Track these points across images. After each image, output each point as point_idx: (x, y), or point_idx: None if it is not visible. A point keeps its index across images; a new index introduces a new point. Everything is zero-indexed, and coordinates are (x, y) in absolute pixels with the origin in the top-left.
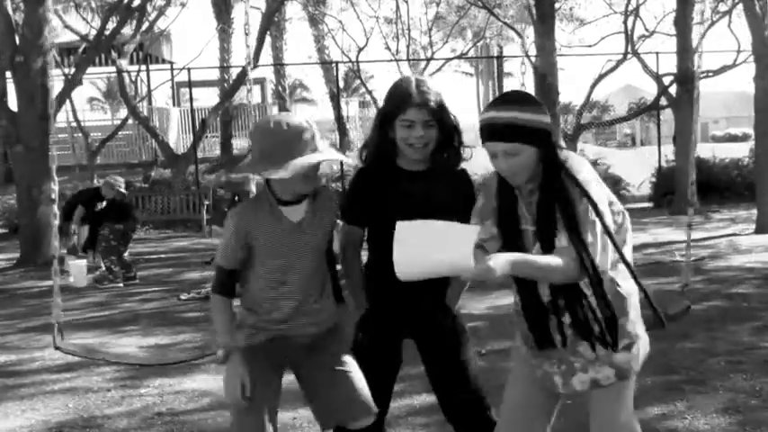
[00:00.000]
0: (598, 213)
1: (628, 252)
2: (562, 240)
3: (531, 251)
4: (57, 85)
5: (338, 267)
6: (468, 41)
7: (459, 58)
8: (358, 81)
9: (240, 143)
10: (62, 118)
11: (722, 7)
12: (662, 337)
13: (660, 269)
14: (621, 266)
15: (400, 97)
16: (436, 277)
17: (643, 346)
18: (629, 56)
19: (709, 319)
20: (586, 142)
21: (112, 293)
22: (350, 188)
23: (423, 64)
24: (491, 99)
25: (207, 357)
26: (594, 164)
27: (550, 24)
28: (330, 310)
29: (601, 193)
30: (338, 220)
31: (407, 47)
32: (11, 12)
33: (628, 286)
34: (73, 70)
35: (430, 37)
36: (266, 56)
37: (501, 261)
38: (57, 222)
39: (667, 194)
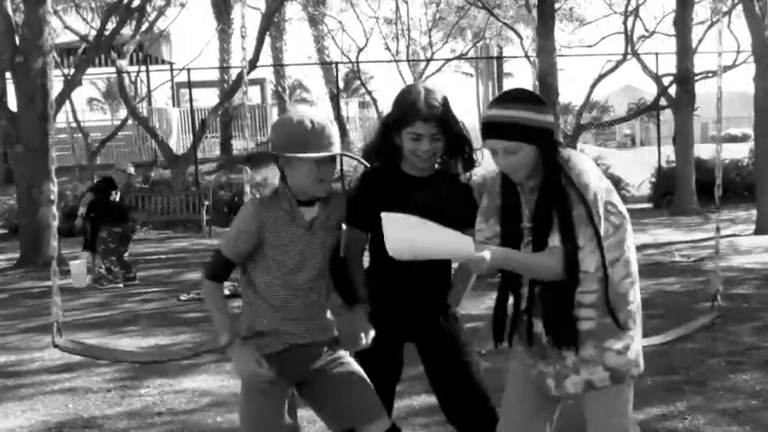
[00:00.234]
0: (592, 219)
1: (631, 252)
2: (554, 240)
3: (522, 246)
4: (56, 85)
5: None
6: (468, 42)
7: (459, 58)
8: (358, 82)
9: (240, 143)
10: (62, 118)
11: (722, 7)
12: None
13: (660, 270)
14: (618, 267)
15: (408, 108)
16: (430, 259)
17: (641, 350)
18: (629, 56)
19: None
20: (586, 142)
21: (112, 294)
22: (354, 191)
23: (423, 64)
24: (491, 100)
25: (204, 352)
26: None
27: (550, 25)
28: (329, 320)
29: (599, 195)
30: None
31: (407, 47)
32: (11, 12)
33: (622, 288)
34: (73, 71)
35: (430, 37)
36: (266, 56)
37: (491, 260)
38: (56, 223)
39: (667, 195)
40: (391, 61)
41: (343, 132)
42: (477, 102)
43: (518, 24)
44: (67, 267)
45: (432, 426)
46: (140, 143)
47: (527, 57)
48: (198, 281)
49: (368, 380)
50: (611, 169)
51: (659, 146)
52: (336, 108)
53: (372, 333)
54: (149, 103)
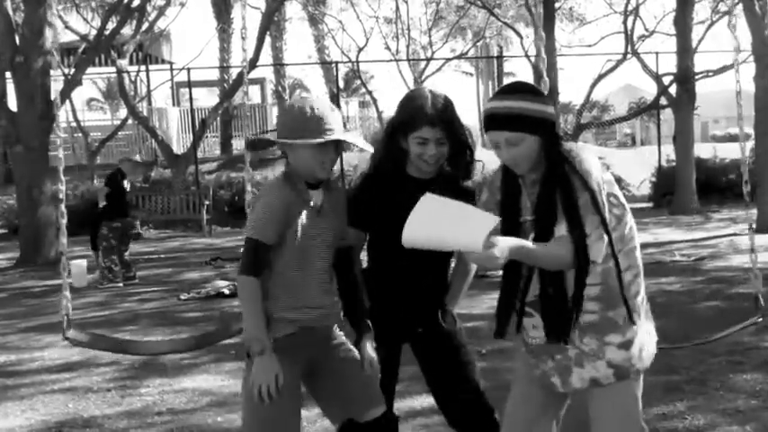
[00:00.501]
0: (597, 206)
1: (633, 245)
2: (561, 229)
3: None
4: (56, 85)
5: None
6: (468, 41)
7: (459, 58)
8: (358, 81)
9: (240, 143)
10: (62, 118)
11: (722, 7)
12: (662, 337)
13: (660, 269)
14: (620, 258)
15: (415, 113)
16: (438, 251)
17: (648, 344)
18: (629, 56)
19: (710, 319)
20: (586, 142)
21: (112, 293)
22: (356, 192)
23: (423, 64)
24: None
25: (217, 341)
26: None
27: (550, 25)
28: (339, 303)
29: (601, 184)
30: None
31: (407, 47)
32: (11, 12)
33: (628, 279)
34: (73, 70)
35: (430, 37)
36: (266, 56)
37: (503, 247)
38: (64, 220)
39: (667, 194)
40: (391, 61)
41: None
42: (477, 101)
43: (518, 24)
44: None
45: (432, 426)
46: (140, 143)
47: (527, 56)
48: (198, 280)
49: (363, 369)
50: (612, 169)
51: (659, 145)
52: (337, 107)
53: (376, 361)
54: (149, 103)
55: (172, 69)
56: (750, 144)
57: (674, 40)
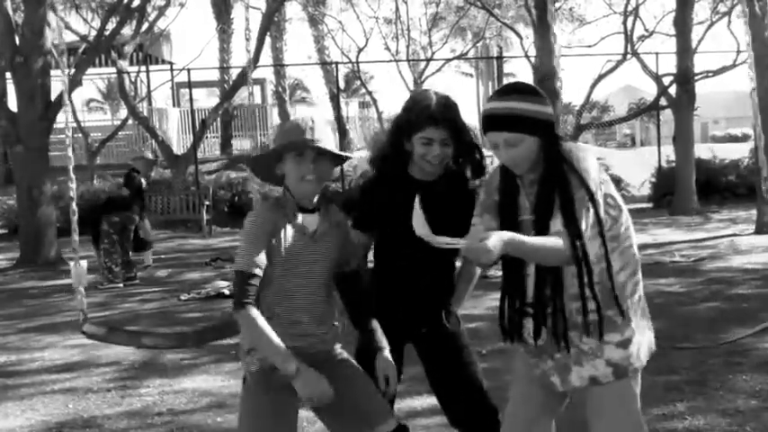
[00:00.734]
0: (594, 203)
1: (629, 244)
2: (557, 224)
3: None
4: (56, 85)
5: None
6: (468, 42)
7: (458, 58)
8: (358, 82)
9: (240, 143)
10: (62, 118)
11: (722, 8)
12: (662, 338)
13: (660, 270)
14: (613, 258)
15: (420, 113)
16: (440, 251)
17: (646, 343)
18: (629, 56)
19: (710, 320)
20: (586, 142)
21: (112, 294)
22: (360, 194)
23: (423, 64)
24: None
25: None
26: None
27: (548, 27)
28: (335, 329)
29: (598, 183)
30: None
31: (407, 47)
32: (11, 12)
33: (622, 279)
34: (73, 71)
35: (429, 37)
36: (266, 56)
37: (496, 241)
38: (76, 217)
39: (667, 195)
40: (391, 61)
41: (343, 133)
42: (477, 102)
43: (518, 24)
44: (67, 267)
45: (432, 426)
46: (140, 143)
47: (527, 57)
48: (198, 280)
49: (372, 383)
50: (612, 169)
51: (659, 146)
52: (336, 108)
53: (395, 375)
54: (149, 104)
55: (172, 70)
56: (751, 144)
57: (673, 41)
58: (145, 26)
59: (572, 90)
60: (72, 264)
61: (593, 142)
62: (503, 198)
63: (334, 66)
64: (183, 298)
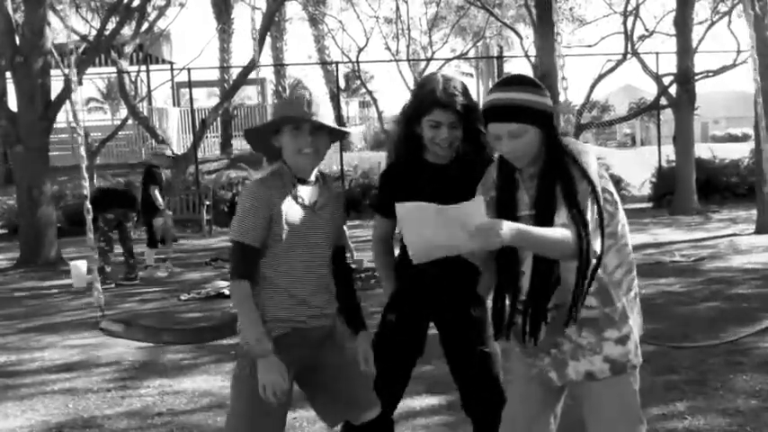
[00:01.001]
0: (596, 196)
1: (624, 241)
2: (561, 217)
3: None
4: (57, 85)
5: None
6: (468, 42)
7: (459, 58)
8: (358, 81)
9: (240, 143)
10: (62, 118)
11: (722, 8)
12: (662, 338)
13: (660, 269)
14: (610, 256)
15: (427, 97)
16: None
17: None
18: (629, 56)
19: (710, 320)
20: (586, 142)
21: (112, 294)
22: (380, 182)
23: (423, 64)
24: (489, 88)
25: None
26: None
27: (550, 25)
28: (335, 305)
29: (598, 177)
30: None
31: (407, 47)
32: (11, 12)
33: (618, 277)
34: (74, 70)
35: (430, 37)
36: (266, 56)
37: (507, 228)
38: (89, 217)
39: (667, 194)
40: (391, 61)
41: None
42: (477, 102)
43: (518, 24)
44: (67, 267)
45: (432, 426)
46: (141, 143)
47: (527, 57)
48: (198, 280)
49: (360, 369)
50: (612, 169)
51: (659, 145)
52: (337, 108)
53: (372, 360)
54: (149, 103)
55: (172, 69)
56: (751, 145)
57: (673, 41)
58: (145, 26)
59: (572, 90)
60: (73, 264)
61: (594, 142)
62: (500, 194)
63: (334, 65)
64: (183, 298)
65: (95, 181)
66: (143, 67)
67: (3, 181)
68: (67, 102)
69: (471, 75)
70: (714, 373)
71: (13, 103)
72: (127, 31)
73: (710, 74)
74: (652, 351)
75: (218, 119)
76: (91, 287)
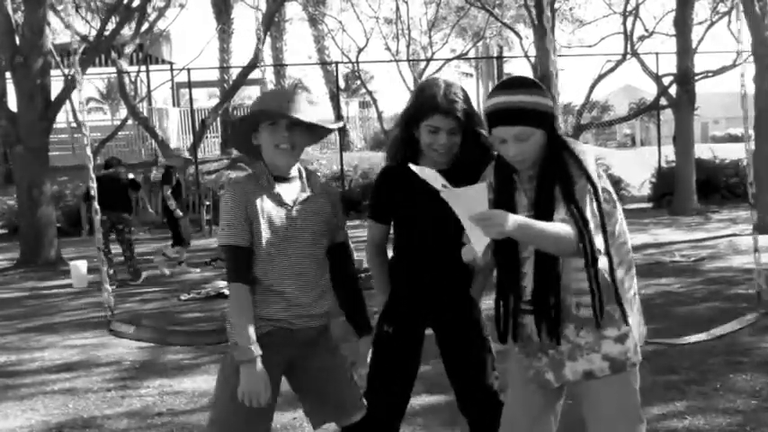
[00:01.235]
0: (596, 192)
1: (623, 239)
2: (560, 213)
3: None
4: (57, 85)
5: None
6: (468, 42)
7: (458, 58)
8: (358, 81)
9: None
10: (62, 118)
11: (722, 8)
12: (662, 338)
13: (660, 270)
14: (611, 253)
15: (427, 102)
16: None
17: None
18: (629, 56)
19: (710, 320)
20: (586, 142)
21: (112, 294)
22: (375, 185)
23: (423, 64)
24: (490, 90)
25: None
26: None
27: (551, 24)
28: (327, 306)
29: (597, 175)
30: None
31: (407, 47)
32: (11, 12)
33: (619, 275)
34: (78, 69)
35: (430, 37)
36: (266, 56)
37: (512, 219)
38: (98, 217)
39: (667, 195)
40: (391, 61)
41: (344, 132)
42: (477, 102)
43: (518, 25)
44: (67, 267)
45: (432, 426)
46: (140, 143)
47: (527, 57)
48: (198, 280)
49: (350, 375)
50: (612, 169)
51: (659, 146)
52: (336, 108)
53: (367, 364)
54: (149, 103)
55: (172, 70)
56: (751, 145)
57: (673, 41)
58: (145, 26)
59: (572, 90)
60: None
61: (594, 142)
62: (498, 196)
63: (334, 66)
64: (183, 298)
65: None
66: (143, 68)
67: (3, 181)
68: (68, 102)
69: (471, 75)
70: (714, 373)
71: (13, 103)
72: (127, 31)
73: (710, 74)
74: (652, 351)
75: (218, 119)
76: (91, 287)
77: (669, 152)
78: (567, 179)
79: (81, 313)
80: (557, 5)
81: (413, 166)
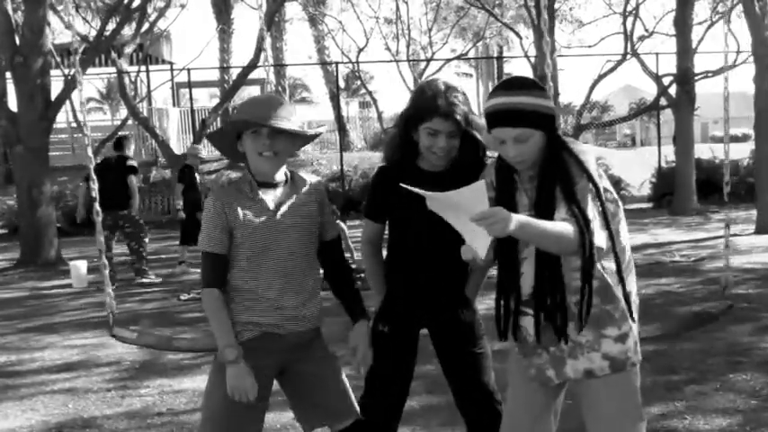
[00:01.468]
0: (597, 191)
1: (625, 241)
2: (561, 212)
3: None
4: (57, 85)
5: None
6: (468, 42)
7: (458, 58)
8: (358, 82)
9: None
10: (62, 118)
11: (722, 8)
12: (662, 338)
13: (660, 269)
14: (610, 255)
15: (427, 104)
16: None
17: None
18: (629, 56)
19: (709, 320)
20: (586, 142)
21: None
22: (371, 185)
23: (423, 64)
24: (491, 89)
25: None
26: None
27: (550, 25)
28: (316, 309)
29: (597, 175)
30: (339, 221)
31: (407, 47)
32: (11, 12)
33: (618, 275)
34: (76, 69)
35: (430, 37)
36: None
37: (515, 218)
38: (99, 218)
39: (667, 195)
40: (391, 61)
41: (344, 132)
42: (477, 102)
43: (518, 25)
44: (67, 267)
45: (432, 426)
46: (140, 143)
47: (527, 57)
48: (198, 280)
49: (341, 380)
50: (612, 169)
51: (659, 146)
52: (336, 108)
53: (370, 354)
54: (149, 103)
55: (172, 70)
56: (751, 145)
57: (673, 41)
58: (145, 26)
59: (572, 90)
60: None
61: (594, 142)
62: (499, 195)
63: (334, 66)
64: (183, 298)
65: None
66: (143, 68)
67: (3, 181)
68: (68, 102)
69: (471, 75)
70: (714, 372)
71: (13, 103)
72: (127, 31)
73: (710, 74)
74: (652, 350)
75: (219, 119)
76: (90, 287)
77: (669, 152)
78: (568, 179)
79: (81, 313)
80: (557, 5)
81: (404, 186)
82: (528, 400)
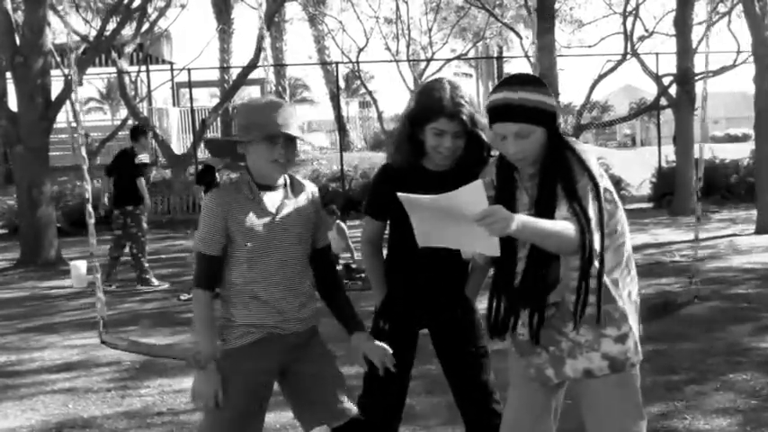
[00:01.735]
0: (597, 190)
1: (623, 240)
2: (562, 210)
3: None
4: (57, 85)
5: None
6: (468, 42)
7: (458, 58)
8: (358, 81)
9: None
10: (62, 118)
11: (722, 8)
12: (662, 337)
13: (660, 269)
14: (609, 255)
15: (433, 104)
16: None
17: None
18: (629, 56)
19: (710, 320)
20: (586, 142)
21: (112, 294)
22: (373, 182)
23: (423, 64)
24: (493, 86)
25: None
26: None
27: (550, 25)
28: (313, 309)
29: (599, 174)
30: (339, 221)
31: (407, 47)
32: (11, 12)
33: (617, 275)
34: (74, 69)
35: (430, 37)
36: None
37: (517, 218)
38: (92, 220)
39: (667, 195)
40: (391, 61)
41: (344, 132)
42: (477, 103)
43: (518, 25)
44: (67, 267)
45: (432, 426)
46: None
47: (527, 57)
48: None
49: (339, 379)
50: (612, 169)
51: (659, 146)
52: (337, 108)
53: (390, 352)
54: (149, 104)
55: (172, 70)
56: (751, 145)
57: (673, 41)
58: (145, 26)
59: (572, 90)
60: (73, 264)
61: (594, 142)
62: (499, 193)
63: (334, 66)
64: (182, 298)
65: (96, 182)
66: (143, 68)
67: (3, 181)
68: (68, 102)
69: (471, 75)
70: (714, 372)
71: (13, 103)
72: (127, 31)
73: (710, 74)
74: (652, 351)
75: (219, 119)
76: (90, 287)
77: (669, 152)
78: (569, 177)
79: (81, 313)
80: (557, 5)
81: (401, 195)
82: (529, 401)
